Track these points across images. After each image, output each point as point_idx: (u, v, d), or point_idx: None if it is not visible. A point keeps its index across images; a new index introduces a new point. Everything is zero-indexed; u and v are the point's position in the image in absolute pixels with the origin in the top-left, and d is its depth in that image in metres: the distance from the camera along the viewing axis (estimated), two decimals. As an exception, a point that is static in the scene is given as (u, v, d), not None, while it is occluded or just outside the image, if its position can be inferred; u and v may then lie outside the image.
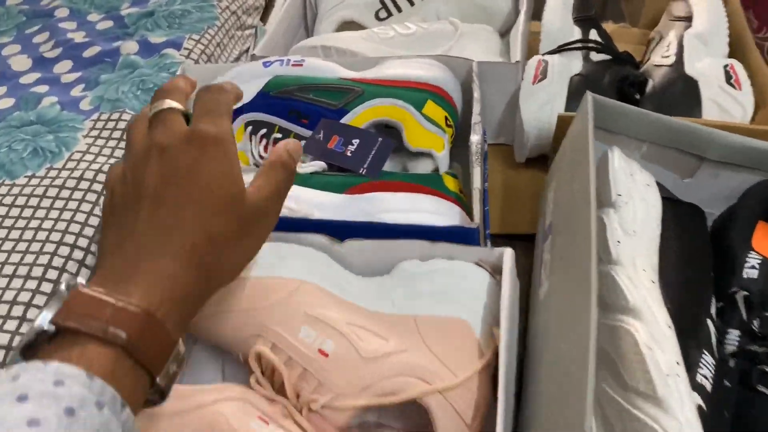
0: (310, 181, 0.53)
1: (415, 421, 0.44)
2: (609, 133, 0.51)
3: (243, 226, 0.33)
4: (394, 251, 0.48)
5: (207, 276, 0.32)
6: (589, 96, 0.48)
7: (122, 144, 0.62)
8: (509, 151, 0.66)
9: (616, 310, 0.38)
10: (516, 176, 0.64)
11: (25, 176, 0.58)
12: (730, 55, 0.64)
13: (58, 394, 0.24)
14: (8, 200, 0.56)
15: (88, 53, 0.74)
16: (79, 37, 0.77)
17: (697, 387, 0.34)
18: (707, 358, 0.36)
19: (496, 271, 0.47)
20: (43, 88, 0.69)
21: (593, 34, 0.66)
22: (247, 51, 0.87)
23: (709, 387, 0.35)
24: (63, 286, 0.28)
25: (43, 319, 0.26)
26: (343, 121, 0.56)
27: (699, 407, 0.33)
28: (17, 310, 0.47)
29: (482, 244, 0.48)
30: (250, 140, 0.60)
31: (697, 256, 0.43)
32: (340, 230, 0.48)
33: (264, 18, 0.96)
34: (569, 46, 0.64)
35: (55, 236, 0.52)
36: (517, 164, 0.65)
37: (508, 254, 0.45)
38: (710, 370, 0.35)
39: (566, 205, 0.46)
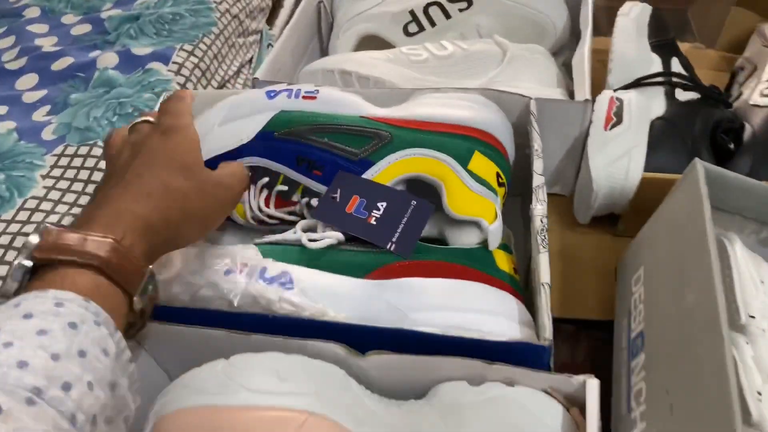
0: (321, 259, 0.41)
1: None
2: (719, 211, 0.39)
3: (200, 188, 0.37)
4: (433, 371, 0.36)
5: (167, 219, 0.35)
6: (699, 165, 0.36)
7: (88, 189, 0.50)
8: (567, 204, 0.54)
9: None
10: (576, 239, 0.52)
11: (-38, 233, 0.46)
12: None
13: (59, 312, 0.27)
14: (-61, 264, 0.44)
15: (58, 65, 0.61)
16: (49, 43, 0.64)
17: None
18: None
19: (572, 404, 0.35)
20: (1, 110, 0.57)
21: (675, 64, 0.53)
22: (250, 61, 0.75)
23: None
24: (32, 236, 0.30)
25: (22, 258, 0.29)
26: (365, 175, 0.44)
27: None
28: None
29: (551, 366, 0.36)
30: (249, 190, 0.47)
31: None
32: (360, 336, 0.36)
33: (270, 21, 0.84)
34: (649, 80, 0.51)
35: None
36: (578, 225, 0.53)
37: (592, 386, 0.33)
38: None
39: (672, 317, 0.34)
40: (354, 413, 0.34)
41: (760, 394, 0.29)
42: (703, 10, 0.73)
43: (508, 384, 0.35)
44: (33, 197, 0.49)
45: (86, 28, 0.67)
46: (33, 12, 0.70)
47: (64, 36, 0.66)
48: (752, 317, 0.32)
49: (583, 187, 0.50)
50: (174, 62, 0.62)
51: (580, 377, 0.34)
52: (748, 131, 0.50)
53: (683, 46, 0.67)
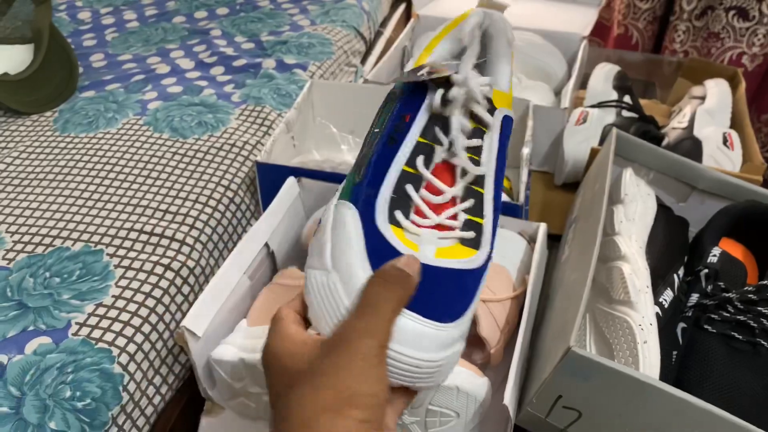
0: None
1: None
2: (625, 160, 0.70)
3: None
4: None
5: None
6: (614, 130, 0.67)
7: (261, 128, 0.83)
8: (550, 177, 0.85)
9: (612, 259, 0.56)
10: (553, 195, 0.83)
11: (193, 138, 0.79)
12: (731, 127, 0.83)
13: None
14: (180, 152, 0.77)
15: (237, 63, 0.96)
16: (229, 51, 1.00)
17: (658, 304, 0.52)
18: (669, 292, 0.53)
19: (532, 240, 0.65)
20: (203, 83, 0.91)
21: (627, 99, 0.86)
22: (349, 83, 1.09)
23: (666, 305, 0.52)
24: None
25: None
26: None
27: (657, 314, 0.51)
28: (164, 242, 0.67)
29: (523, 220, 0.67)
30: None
31: (675, 242, 0.61)
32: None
33: (363, 60, 1.19)
34: (607, 103, 0.84)
35: (205, 178, 0.73)
36: (555, 187, 0.84)
37: (542, 228, 0.64)
38: (668, 298, 0.53)
39: (588, 202, 0.65)
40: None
41: (621, 222, 0.59)
42: (662, 81, 1.07)
43: (501, 227, 0.66)
44: (230, 127, 0.82)
45: (251, 45, 1.03)
46: (216, 32, 1.06)
47: (238, 48, 1.02)
48: (626, 195, 0.62)
49: (560, 160, 0.82)
50: (309, 70, 0.96)
51: (538, 223, 0.65)
52: (665, 141, 0.82)
53: (646, 101, 1.00)
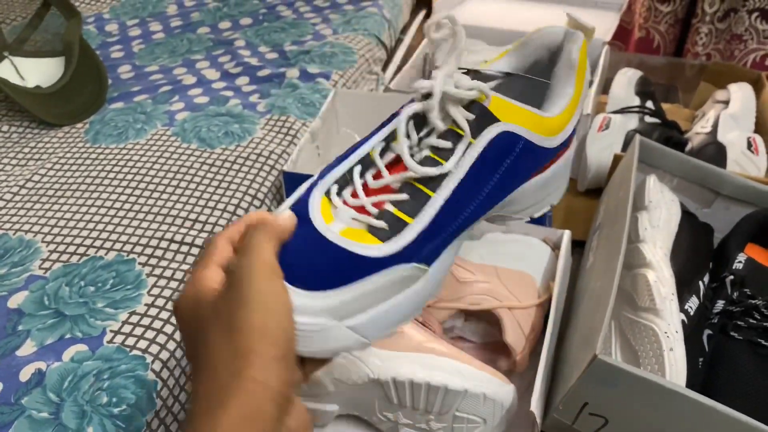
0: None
1: (487, 340, 0.62)
2: (649, 166, 0.70)
3: None
4: (484, 223, 0.67)
5: None
6: (638, 137, 0.68)
7: (287, 137, 0.84)
8: (573, 183, 0.85)
9: (636, 266, 0.56)
10: (576, 202, 0.83)
11: (220, 148, 0.81)
12: (755, 132, 0.82)
13: None
14: (209, 162, 0.78)
15: (261, 73, 0.98)
16: (253, 61, 1.02)
17: (683, 311, 0.52)
18: (694, 299, 0.54)
19: (555, 247, 0.66)
20: (229, 93, 0.93)
21: (649, 104, 0.86)
22: (371, 91, 1.10)
23: (691, 312, 0.52)
24: None
25: None
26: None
27: (682, 321, 0.51)
28: (194, 251, 0.68)
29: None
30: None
31: (700, 249, 0.61)
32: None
33: (384, 68, 1.20)
34: (629, 109, 0.84)
35: (233, 188, 0.74)
36: (578, 193, 0.84)
37: (566, 235, 0.64)
38: (693, 305, 0.53)
39: (612, 209, 0.65)
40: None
41: (646, 229, 0.60)
42: (684, 84, 1.06)
43: (524, 234, 0.66)
44: (256, 137, 0.83)
45: (275, 55, 1.04)
46: (240, 42, 1.08)
47: (262, 58, 1.03)
48: (650, 201, 0.62)
49: (582, 166, 0.82)
50: (332, 79, 0.98)
51: (562, 230, 0.65)
52: (688, 146, 0.82)
53: (669, 106, 1.00)
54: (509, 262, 0.63)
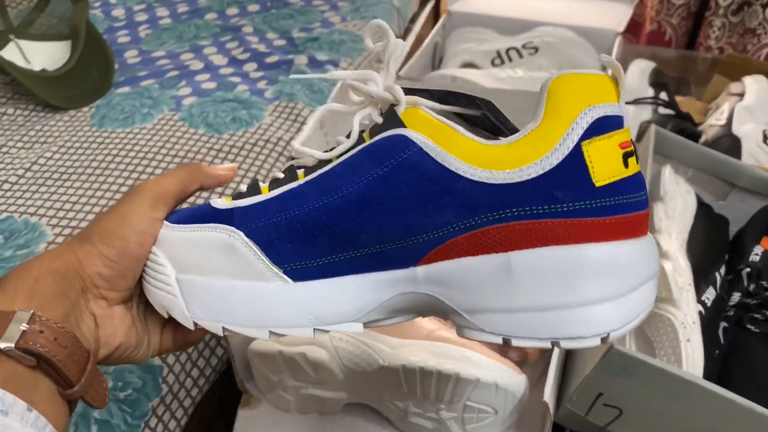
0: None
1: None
2: (663, 157, 0.69)
3: None
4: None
5: None
6: (653, 127, 0.67)
7: (295, 124, 0.83)
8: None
9: (652, 256, 0.55)
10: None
11: (228, 133, 0.80)
12: (770, 125, 0.81)
13: None
14: (216, 147, 0.77)
15: (269, 60, 0.97)
16: (261, 48, 1.00)
17: (701, 302, 0.51)
18: (711, 290, 0.53)
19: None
20: (236, 79, 0.92)
21: (663, 96, 0.85)
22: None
23: (708, 304, 0.51)
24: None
25: None
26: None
27: (699, 312, 0.50)
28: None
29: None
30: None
31: (715, 240, 0.60)
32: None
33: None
34: (643, 100, 0.83)
35: (240, 173, 0.73)
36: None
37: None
38: (710, 296, 0.52)
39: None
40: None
41: (661, 219, 0.59)
42: (696, 77, 1.05)
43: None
44: (264, 123, 0.82)
45: (283, 42, 1.03)
46: (248, 29, 1.07)
47: (269, 44, 1.02)
48: (666, 192, 0.61)
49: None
50: (340, 66, 0.96)
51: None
52: (702, 138, 0.81)
53: (682, 98, 0.99)
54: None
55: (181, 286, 0.34)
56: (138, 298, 0.37)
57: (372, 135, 0.33)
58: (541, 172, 0.29)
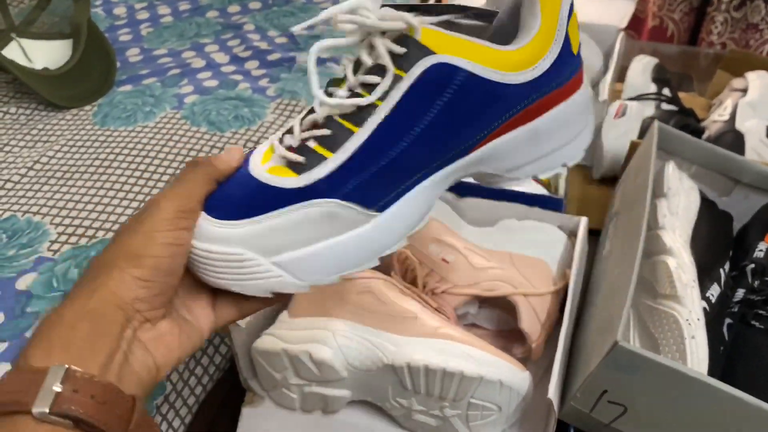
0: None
1: (501, 327, 0.62)
2: (667, 153, 0.69)
3: None
4: (499, 210, 0.66)
5: None
6: (656, 123, 0.66)
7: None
8: (587, 172, 0.84)
9: (656, 253, 0.55)
10: (591, 190, 0.82)
11: (230, 131, 0.80)
12: (774, 120, 0.81)
13: None
14: (218, 145, 0.77)
15: (271, 57, 0.97)
16: (263, 45, 1.00)
17: (705, 299, 0.51)
18: (715, 287, 0.53)
19: (572, 234, 0.64)
20: (238, 77, 0.92)
21: (666, 91, 0.85)
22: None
23: (713, 300, 0.51)
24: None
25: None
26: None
27: (704, 309, 0.50)
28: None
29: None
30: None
31: (719, 237, 0.60)
32: (461, 188, 0.67)
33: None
34: (646, 95, 0.82)
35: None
36: (593, 181, 0.83)
37: (583, 222, 0.63)
38: (715, 293, 0.52)
39: (630, 195, 0.64)
40: (455, 224, 0.65)
41: (665, 216, 0.58)
42: (699, 73, 1.05)
43: (539, 221, 0.65)
44: (267, 120, 0.82)
45: (284, 39, 1.03)
46: (249, 26, 1.06)
47: (271, 42, 1.02)
48: (670, 188, 0.61)
49: (598, 153, 0.81)
50: (342, 64, 0.96)
51: (578, 217, 0.64)
52: (705, 134, 0.80)
53: (684, 94, 0.98)
54: (524, 248, 0.62)
55: (282, 266, 0.36)
56: (178, 300, 0.36)
57: (399, 66, 0.35)
58: (550, 63, 0.38)
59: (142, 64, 0.98)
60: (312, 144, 0.36)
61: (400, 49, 0.35)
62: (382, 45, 0.35)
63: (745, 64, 0.91)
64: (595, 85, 0.93)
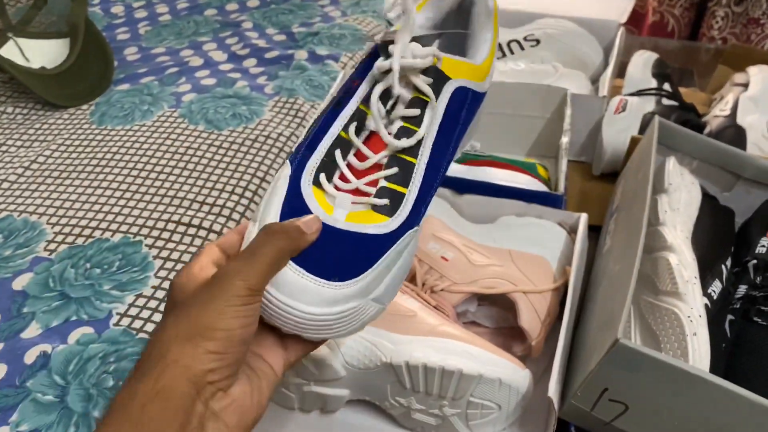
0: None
1: (501, 325, 0.61)
2: (668, 148, 0.68)
3: None
4: (498, 207, 0.65)
5: None
6: (656, 118, 0.66)
7: (295, 119, 0.83)
8: (587, 167, 0.84)
9: (657, 249, 0.54)
10: (591, 186, 0.81)
11: (228, 130, 0.79)
12: (775, 115, 0.80)
13: None
14: (216, 143, 0.77)
15: (269, 55, 0.96)
16: (261, 43, 1.00)
17: (707, 295, 0.50)
18: (717, 283, 0.52)
19: (572, 231, 0.64)
20: (236, 75, 0.91)
21: (666, 86, 0.84)
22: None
23: (715, 297, 0.51)
24: None
25: None
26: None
27: (706, 305, 0.49)
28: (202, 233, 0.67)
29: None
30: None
31: (721, 232, 0.59)
32: (460, 185, 0.66)
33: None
34: (646, 91, 0.82)
35: (241, 170, 0.73)
36: (593, 177, 0.82)
37: (583, 218, 0.63)
38: (716, 289, 0.52)
39: (630, 192, 0.63)
40: (455, 222, 0.64)
41: (666, 212, 0.58)
42: (700, 68, 1.04)
43: (539, 218, 0.65)
44: (264, 118, 0.82)
45: (282, 37, 1.02)
46: (247, 24, 1.06)
47: (269, 40, 1.01)
48: (671, 184, 0.61)
49: (598, 149, 0.80)
50: (341, 61, 0.96)
51: (578, 213, 0.63)
52: (707, 129, 0.80)
53: (685, 90, 0.98)
54: (524, 245, 0.62)
55: (378, 299, 0.38)
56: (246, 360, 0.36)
57: (426, 89, 0.39)
58: (491, 79, 0.46)
59: (139, 62, 0.97)
60: (385, 183, 0.38)
61: (429, 80, 0.39)
62: (422, 81, 0.39)
63: (746, 59, 0.91)
64: (595, 81, 0.93)
